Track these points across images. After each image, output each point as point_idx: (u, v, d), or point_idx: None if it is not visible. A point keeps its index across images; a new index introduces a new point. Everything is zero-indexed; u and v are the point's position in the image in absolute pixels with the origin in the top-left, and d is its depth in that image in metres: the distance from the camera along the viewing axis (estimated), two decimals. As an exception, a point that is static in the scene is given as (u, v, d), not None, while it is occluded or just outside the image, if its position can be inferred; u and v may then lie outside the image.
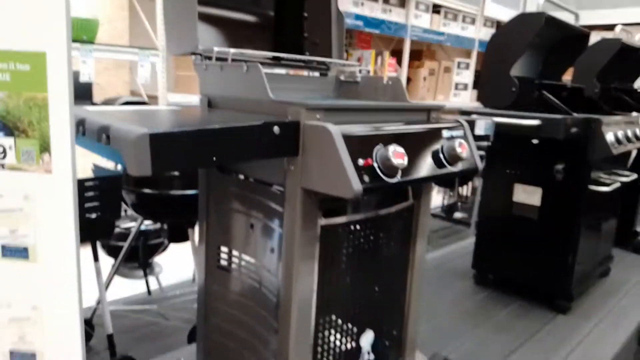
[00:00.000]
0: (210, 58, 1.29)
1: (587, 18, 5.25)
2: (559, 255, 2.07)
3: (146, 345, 2.03)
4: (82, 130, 0.95)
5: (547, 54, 2.42)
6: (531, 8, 4.91)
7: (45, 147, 0.82)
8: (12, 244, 0.86)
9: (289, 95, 1.53)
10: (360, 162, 1.00)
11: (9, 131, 0.81)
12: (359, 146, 1.02)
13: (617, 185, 2.10)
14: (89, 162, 1.83)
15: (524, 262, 2.17)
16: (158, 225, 2.46)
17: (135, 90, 3.69)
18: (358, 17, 4.85)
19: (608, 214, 2.37)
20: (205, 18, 1.41)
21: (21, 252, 0.85)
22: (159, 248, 2.43)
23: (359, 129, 1.05)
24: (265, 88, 1.12)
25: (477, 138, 1.61)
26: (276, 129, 0.99)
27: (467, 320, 2.01)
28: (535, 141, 2.06)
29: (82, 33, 2.89)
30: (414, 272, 1.44)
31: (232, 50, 1.26)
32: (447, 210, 3.96)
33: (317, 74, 1.67)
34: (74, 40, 2.84)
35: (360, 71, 5.09)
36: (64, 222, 0.85)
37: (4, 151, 0.82)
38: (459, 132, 1.28)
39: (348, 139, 1.00)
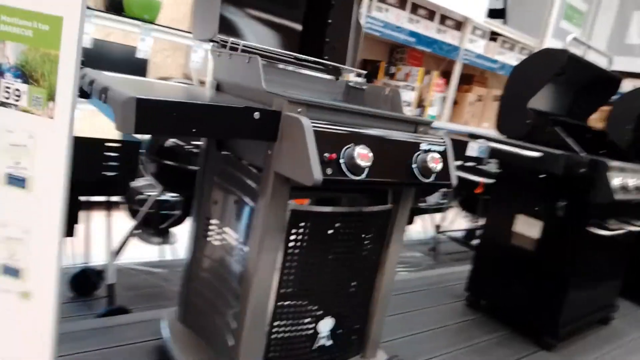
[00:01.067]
0: (225, 47, 1.43)
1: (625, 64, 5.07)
2: (550, 292, 2.08)
3: (145, 302, 2.20)
4: (91, 90, 1.10)
5: (576, 93, 2.42)
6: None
7: (51, 96, 0.97)
8: (15, 174, 1.02)
9: (297, 92, 1.66)
10: (326, 155, 1.11)
11: (26, 79, 0.97)
12: (329, 141, 1.12)
13: (621, 232, 2.08)
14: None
15: (516, 293, 2.18)
16: (179, 197, 2.64)
17: (188, 74, 3.92)
18: (412, 34, 4.92)
19: (612, 260, 2.34)
20: (236, 14, 1.56)
21: (20, 182, 1.01)
22: (173, 218, 2.61)
23: (332, 127, 1.15)
24: (260, 78, 1.24)
25: (469, 159, 1.67)
26: (257, 114, 1.11)
27: (446, 338, 2.05)
28: (542, 175, 2.08)
29: (144, 12, 3.13)
30: (384, 272, 1.52)
31: (243, 42, 1.40)
32: (467, 236, 3.96)
33: (331, 77, 1.78)
34: (136, 18, 3.08)
35: (402, 86, 5.15)
36: (58, 161, 1.00)
37: (20, 95, 0.98)
38: (438, 148, 1.35)
39: (319, 133, 1.11)
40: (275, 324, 1.31)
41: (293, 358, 1.37)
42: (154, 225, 2.47)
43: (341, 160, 1.14)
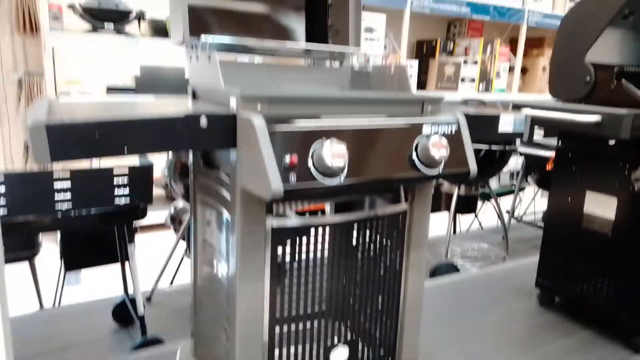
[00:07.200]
0: (197, 48, 1.27)
1: None
2: (638, 282, 1.71)
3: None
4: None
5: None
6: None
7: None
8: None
9: (297, 88, 1.47)
10: (287, 159, 0.91)
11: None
12: (292, 142, 0.93)
13: None
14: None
15: (595, 286, 1.83)
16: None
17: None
18: (467, 3, 4.52)
19: None
20: (217, 13, 1.40)
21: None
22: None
23: (297, 124, 0.95)
24: (219, 77, 1.07)
25: (506, 136, 1.38)
26: (203, 121, 0.94)
27: (509, 347, 1.75)
28: (612, 142, 1.72)
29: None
30: (408, 283, 1.29)
31: (217, 40, 1.23)
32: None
33: (336, 63, 1.58)
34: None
35: (466, 61, 4.78)
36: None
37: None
38: (446, 129, 1.10)
39: (276, 133, 0.92)
40: (276, 352, 1.13)
41: (305, 393, 1.19)
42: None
43: (310, 163, 0.94)
